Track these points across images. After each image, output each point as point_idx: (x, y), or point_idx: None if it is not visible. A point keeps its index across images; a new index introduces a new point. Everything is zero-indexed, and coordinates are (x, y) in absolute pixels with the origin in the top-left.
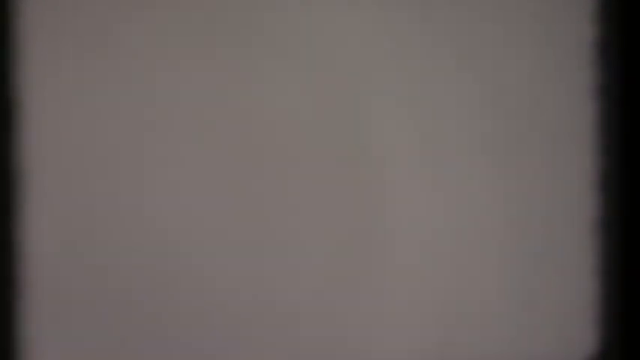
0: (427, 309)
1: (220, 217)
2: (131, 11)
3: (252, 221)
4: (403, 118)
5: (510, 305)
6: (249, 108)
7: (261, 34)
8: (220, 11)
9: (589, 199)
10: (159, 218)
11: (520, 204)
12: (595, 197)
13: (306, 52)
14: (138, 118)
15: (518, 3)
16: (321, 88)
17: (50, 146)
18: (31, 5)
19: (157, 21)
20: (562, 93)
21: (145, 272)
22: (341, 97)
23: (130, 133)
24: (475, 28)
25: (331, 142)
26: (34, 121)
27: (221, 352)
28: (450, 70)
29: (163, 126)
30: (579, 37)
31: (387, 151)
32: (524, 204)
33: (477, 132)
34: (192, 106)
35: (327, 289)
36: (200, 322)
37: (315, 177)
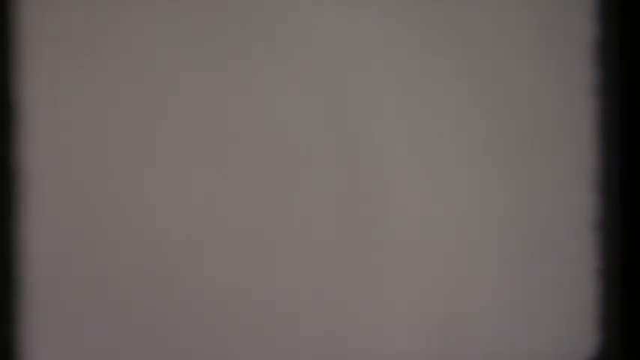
0: (427, 309)
1: (220, 216)
2: (131, 12)
3: (252, 221)
4: (403, 119)
5: (510, 305)
6: (249, 108)
7: (261, 34)
8: (220, 12)
9: (589, 199)
10: (159, 218)
11: (520, 204)
12: (595, 197)
13: (306, 53)
14: (137, 118)
15: (519, 3)
16: (321, 88)
17: (50, 146)
18: (30, 6)
19: (157, 22)
20: (562, 93)
21: (145, 272)
22: (342, 96)
23: (129, 134)
24: (475, 28)
25: (331, 143)
26: (34, 121)
27: (221, 351)
28: (450, 71)
29: (163, 126)
30: (579, 37)
31: (387, 151)
32: (524, 204)
33: (477, 132)
34: (192, 107)
35: (327, 288)
36: (200, 321)
37: (316, 177)
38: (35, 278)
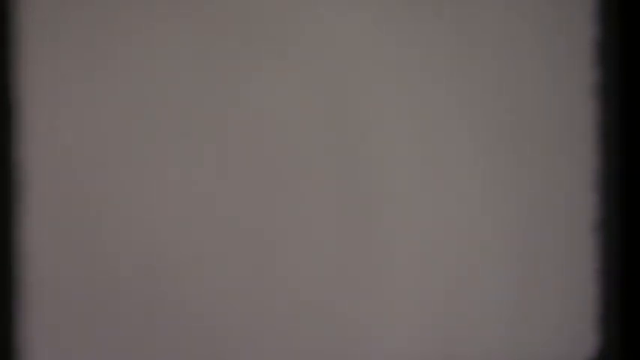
0: (427, 309)
1: (220, 216)
2: (130, 11)
3: (251, 221)
4: (404, 120)
5: (511, 306)
6: (249, 108)
7: (261, 33)
8: (220, 12)
9: (589, 200)
10: (159, 218)
11: (520, 204)
12: (595, 198)
13: (307, 53)
14: (137, 118)
15: (519, 3)
16: (322, 88)
17: (49, 146)
18: (30, 5)
19: (157, 21)
20: (562, 93)
21: (144, 271)
22: (343, 97)
23: (129, 133)
24: (475, 29)
25: (332, 143)
26: (34, 121)
27: (221, 351)
28: (450, 70)
29: (163, 126)
30: (579, 37)
31: (387, 152)
32: (524, 204)
33: (477, 132)
34: (192, 107)
35: (327, 288)
36: (199, 322)
37: (316, 177)
38: (35, 278)
